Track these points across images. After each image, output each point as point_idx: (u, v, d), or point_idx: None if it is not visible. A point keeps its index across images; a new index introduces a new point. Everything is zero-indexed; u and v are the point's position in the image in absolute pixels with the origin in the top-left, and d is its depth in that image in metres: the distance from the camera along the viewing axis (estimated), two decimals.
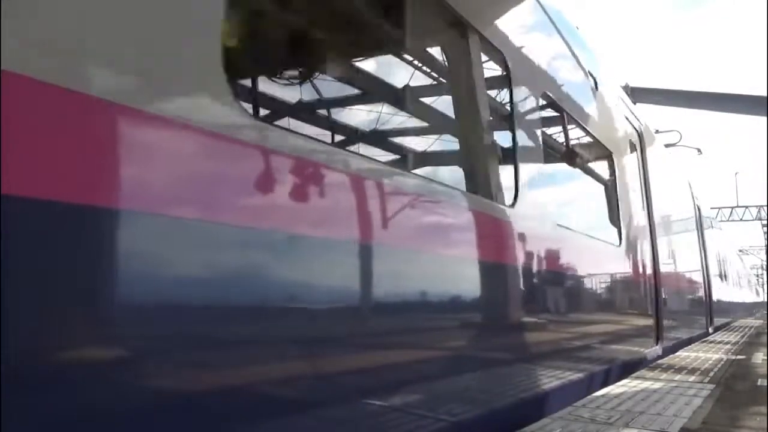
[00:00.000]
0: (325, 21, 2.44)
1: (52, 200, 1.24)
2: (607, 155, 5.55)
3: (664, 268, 6.84)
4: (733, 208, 34.76)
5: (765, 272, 49.57)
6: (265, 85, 2.24)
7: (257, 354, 1.77)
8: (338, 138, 2.53)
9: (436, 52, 3.23)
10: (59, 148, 1.27)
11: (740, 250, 32.46)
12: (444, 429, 2.52)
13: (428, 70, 3.17)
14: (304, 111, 2.35)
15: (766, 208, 33.36)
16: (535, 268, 3.60)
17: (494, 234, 3.13)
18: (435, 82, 3.23)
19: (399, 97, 2.87)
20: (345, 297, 2.13)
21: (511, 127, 3.42)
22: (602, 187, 5.59)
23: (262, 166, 1.80)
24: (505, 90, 3.46)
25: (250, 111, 1.94)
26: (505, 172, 3.31)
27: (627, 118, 6.49)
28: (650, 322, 6.17)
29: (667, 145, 10.02)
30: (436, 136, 3.31)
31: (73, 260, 1.28)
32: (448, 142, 3.36)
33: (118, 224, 1.39)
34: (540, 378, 3.68)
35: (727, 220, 33.52)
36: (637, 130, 6.81)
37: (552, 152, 4.26)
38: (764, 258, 46.54)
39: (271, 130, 1.88)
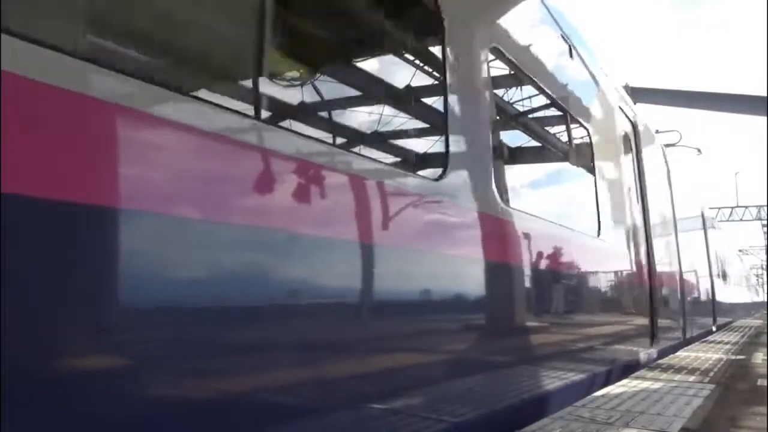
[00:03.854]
0: None
1: None
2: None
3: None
4: (733, 208, 34.75)
5: (765, 272, 49.57)
6: None
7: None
8: None
9: None
10: None
11: (740, 250, 32.19)
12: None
13: None
14: None
15: (766, 208, 33.34)
16: None
17: None
18: None
19: None
20: None
21: None
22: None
23: None
24: None
25: None
26: None
27: None
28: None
29: (667, 145, 10.01)
30: None
31: None
32: None
33: None
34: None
35: (727, 220, 33.51)
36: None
37: None
38: (764, 258, 46.52)
39: None
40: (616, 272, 5.58)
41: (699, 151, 12.86)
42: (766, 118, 12.02)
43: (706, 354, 6.45)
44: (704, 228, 11.98)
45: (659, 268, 6.73)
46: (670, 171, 8.77)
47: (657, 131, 8.91)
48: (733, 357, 6.22)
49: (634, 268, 5.93)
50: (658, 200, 7.35)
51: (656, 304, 6.35)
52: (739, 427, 2.94)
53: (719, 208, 33.08)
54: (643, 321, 6.06)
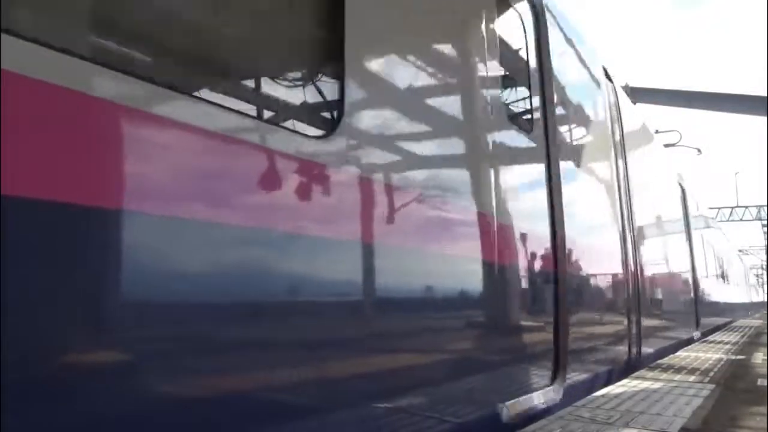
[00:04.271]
0: None
1: None
2: None
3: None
4: (733, 208, 34.81)
5: (765, 272, 49.63)
6: None
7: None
8: None
9: None
10: None
11: (740, 250, 32.12)
12: None
13: None
14: None
15: (766, 208, 33.38)
16: None
17: None
18: None
19: None
20: None
21: None
22: None
23: None
24: None
25: None
26: None
27: None
28: None
29: (666, 145, 9.97)
30: None
31: None
32: None
33: None
34: None
35: (727, 220, 33.55)
36: None
37: None
38: (764, 258, 46.56)
39: None
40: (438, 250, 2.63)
41: (699, 151, 12.89)
42: (766, 118, 12.04)
43: (706, 354, 6.45)
44: (684, 208, 9.37)
45: (582, 256, 4.23)
46: (621, 112, 5.93)
47: (657, 131, 8.83)
48: (733, 357, 6.22)
49: (507, 249, 3.13)
50: (587, 148, 4.79)
51: (565, 314, 3.66)
52: (739, 427, 2.94)
53: (719, 208, 33.15)
54: (538, 344, 3.53)
